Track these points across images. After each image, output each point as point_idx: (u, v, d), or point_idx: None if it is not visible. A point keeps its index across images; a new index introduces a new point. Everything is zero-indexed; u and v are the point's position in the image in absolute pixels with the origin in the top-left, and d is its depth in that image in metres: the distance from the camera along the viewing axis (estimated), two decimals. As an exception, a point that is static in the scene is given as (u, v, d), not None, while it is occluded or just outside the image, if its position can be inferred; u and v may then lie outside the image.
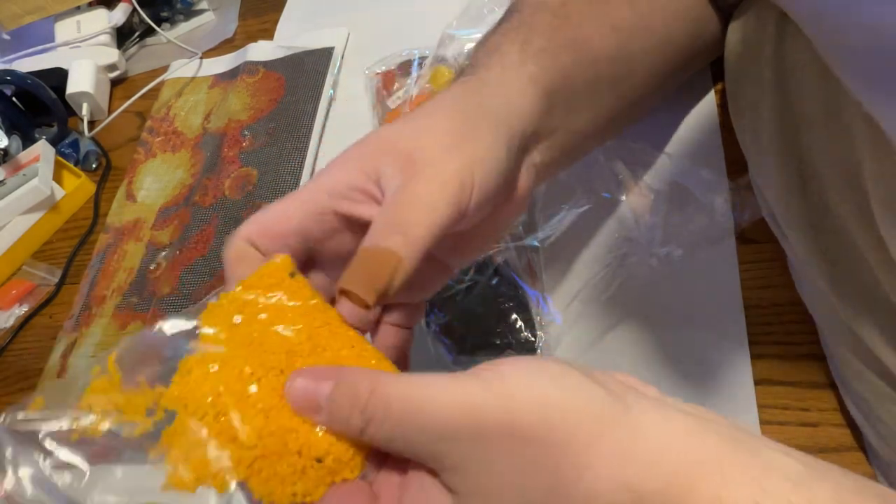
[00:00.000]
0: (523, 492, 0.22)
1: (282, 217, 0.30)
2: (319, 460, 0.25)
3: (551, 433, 0.22)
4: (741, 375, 0.40)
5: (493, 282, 0.46)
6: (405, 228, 0.28)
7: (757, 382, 0.40)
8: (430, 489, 0.24)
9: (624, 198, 0.49)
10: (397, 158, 0.30)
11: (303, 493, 0.25)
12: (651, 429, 0.23)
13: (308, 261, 0.32)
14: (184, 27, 0.83)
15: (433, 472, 0.24)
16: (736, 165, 0.48)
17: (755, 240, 0.45)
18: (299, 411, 0.25)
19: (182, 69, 0.77)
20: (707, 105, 0.51)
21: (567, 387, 0.23)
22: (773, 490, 0.21)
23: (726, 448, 0.22)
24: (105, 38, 0.80)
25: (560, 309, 0.46)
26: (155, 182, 0.68)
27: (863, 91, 0.24)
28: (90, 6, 0.81)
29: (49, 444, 0.28)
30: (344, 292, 0.28)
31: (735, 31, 0.47)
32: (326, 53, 0.69)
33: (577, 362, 0.25)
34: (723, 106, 0.51)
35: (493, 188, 0.31)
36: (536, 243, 0.49)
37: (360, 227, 0.30)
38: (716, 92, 0.52)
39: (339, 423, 0.25)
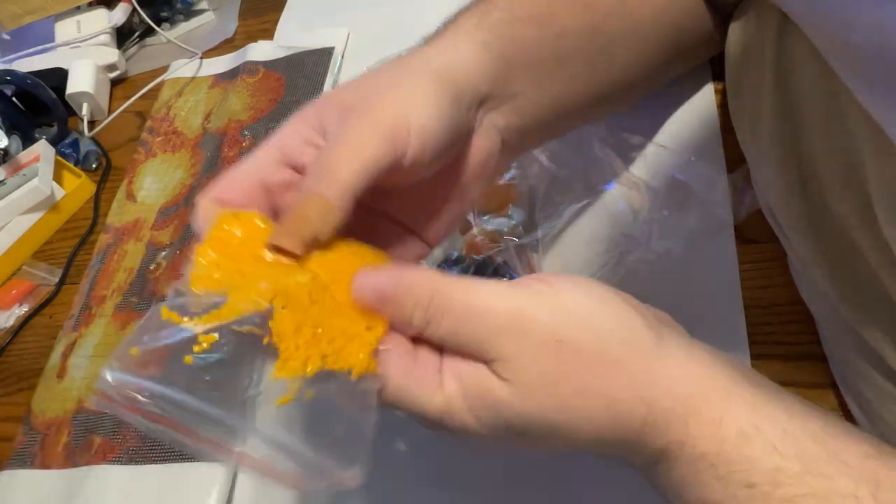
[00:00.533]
0: (557, 386, 0.26)
1: (242, 175, 0.32)
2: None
3: (589, 347, 0.26)
4: (741, 375, 0.40)
5: (493, 282, 0.46)
6: (332, 170, 0.29)
7: (757, 382, 0.40)
8: (482, 373, 0.27)
9: (622, 194, 0.49)
10: (339, 108, 0.31)
11: None
12: (675, 358, 0.26)
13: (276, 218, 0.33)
14: (184, 27, 0.83)
15: (485, 362, 0.27)
16: (735, 165, 0.48)
17: (755, 240, 0.45)
18: (367, 308, 0.28)
19: (182, 69, 0.77)
20: (707, 105, 0.51)
21: (611, 310, 0.27)
22: (771, 415, 0.25)
23: (735, 381, 0.26)
24: (105, 38, 0.80)
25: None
26: (155, 182, 0.68)
27: (864, 93, 0.24)
28: (90, 6, 0.81)
29: None
30: (275, 248, 0.29)
31: (736, 31, 0.47)
32: (326, 53, 0.69)
33: (622, 292, 0.28)
34: (723, 106, 0.51)
35: (436, 135, 0.31)
36: (536, 242, 0.49)
37: None
38: (716, 91, 0.52)
39: (402, 320, 0.27)
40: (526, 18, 0.38)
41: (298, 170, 0.32)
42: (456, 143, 0.33)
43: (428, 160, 0.31)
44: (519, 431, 0.27)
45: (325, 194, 0.28)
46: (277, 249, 0.29)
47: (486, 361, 0.27)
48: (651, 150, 0.50)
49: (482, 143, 0.35)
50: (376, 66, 0.35)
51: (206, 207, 0.31)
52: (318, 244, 0.29)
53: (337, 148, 0.30)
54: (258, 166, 0.32)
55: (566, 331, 0.26)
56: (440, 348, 0.28)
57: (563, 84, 0.39)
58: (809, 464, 0.24)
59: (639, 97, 0.48)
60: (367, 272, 0.28)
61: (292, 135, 0.32)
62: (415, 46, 0.37)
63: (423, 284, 0.27)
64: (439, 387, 0.27)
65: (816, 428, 0.25)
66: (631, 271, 0.46)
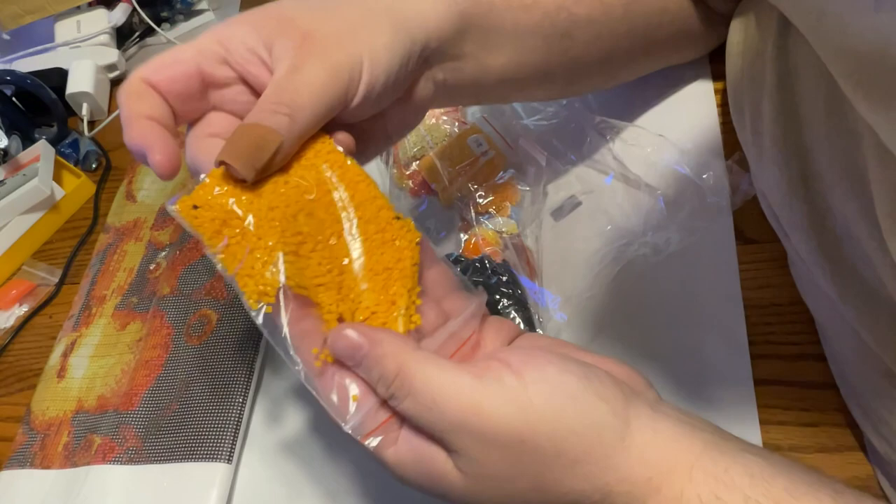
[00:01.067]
0: (513, 483, 0.26)
1: (177, 58, 0.32)
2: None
3: (551, 446, 0.26)
4: (741, 375, 0.40)
5: (492, 280, 0.46)
6: (292, 111, 0.29)
7: (757, 382, 0.40)
8: (439, 457, 0.27)
9: (620, 191, 0.49)
10: (293, 35, 0.31)
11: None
12: (638, 445, 0.26)
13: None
14: (184, 27, 0.83)
15: (444, 449, 0.27)
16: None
17: (755, 240, 0.45)
18: (341, 360, 0.28)
19: (182, 69, 0.77)
20: (707, 104, 0.51)
21: (579, 408, 0.26)
22: (733, 484, 0.25)
23: (700, 450, 0.26)
24: (105, 38, 0.80)
25: (559, 306, 0.46)
26: (155, 182, 0.68)
27: (858, 98, 0.24)
28: (90, 6, 0.81)
29: None
30: (223, 163, 0.29)
31: (736, 30, 0.47)
32: (326, 53, 0.69)
33: (588, 364, 0.28)
34: (722, 105, 0.51)
35: (382, 86, 0.32)
36: (535, 240, 0.49)
37: (248, 86, 0.32)
38: (715, 91, 0.52)
39: (370, 382, 0.28)
40: None
41: (239, 73, 0.32)
42: (394, 92, 0.34)
43: (370, 108, 0.32)
44: None
45: (282, 132, 0.29)
46: (225, 164, 0.29)
47: (446, 449, 0.27)
48: (649, 147, 0.50)
49: (419, 94, 0.36)
50: None
51: (135, 85, 0.31)
52: (260, 174, 0.29)
53: (298, 89, 0.30)
54: (199, 55, 0.31)
55: (529, 431, 0.26)
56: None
57: (514, 55, 0.39)
58: None
59: (601, 84, 0.48)
60: (344, 328, 0.28)
61: (237, 38, 0.32)
62: None
63: (390, 358, 0.27)
64: (393, 450, 0.28)
65: (779, 490, 0.25)
66: (630, 267, 0.46)
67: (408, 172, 0.54)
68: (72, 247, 0.67)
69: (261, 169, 0.29)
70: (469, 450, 0.26)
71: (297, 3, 0.33)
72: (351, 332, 0.28)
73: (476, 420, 0.26)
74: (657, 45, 0.47)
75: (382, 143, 0.37)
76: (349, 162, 0.32)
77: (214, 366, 0.52)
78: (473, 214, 0.49)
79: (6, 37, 0.82)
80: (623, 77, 0.49)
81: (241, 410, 0.49)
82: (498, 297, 0.45)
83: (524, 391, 0.26)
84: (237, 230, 0.29)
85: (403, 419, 0.28)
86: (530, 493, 0.26)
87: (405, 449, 0.28)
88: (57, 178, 0.69)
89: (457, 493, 0.27)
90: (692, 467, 0.25)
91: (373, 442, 0.28)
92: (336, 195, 0.31)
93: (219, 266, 0.29)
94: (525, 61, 0.40)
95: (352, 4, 0.33)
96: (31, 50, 0.80)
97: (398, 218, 0.31)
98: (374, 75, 0.31)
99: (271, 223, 0.29)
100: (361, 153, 0.36)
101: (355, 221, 0.31)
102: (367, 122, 0.35)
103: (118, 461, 0.50)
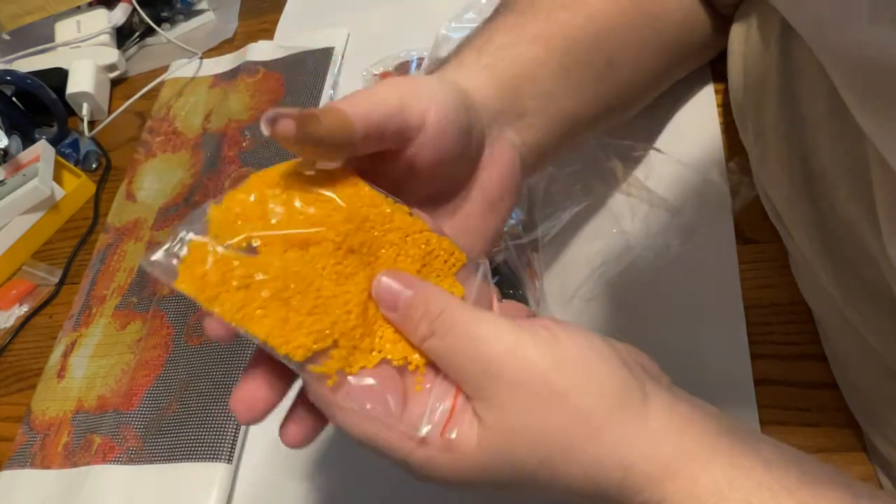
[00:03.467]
0: (540, 442, 0.26)
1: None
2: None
3: (581, 401, 0.26)
4: (741, 375, 0.40)
5: (493, 281, 0.46)
6: (348, 99, 0.29)
7: (757, 382, 0.40)
8: (463, 408, 0.27)
9: (621, 193, 0.49)
10: None
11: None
12: (657, 420, 0.26)
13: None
14: (184, 27, 0.83)
15: (467, 397, 0.27)
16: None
17: (755, 240, 0.45)
18: (380, 305, 0.28)
19: (182, 69, 0.77)
20: (707, 105, 0.51)
21: (609, 367, 0.26)
22: (747, 469, 0.25)
23: (715, 435, 0.26)
24: (105, 38, 0.80)
25: (560, 307, 0.46)
26: (155, 182, 0.68)
27: (855, 106, 0.24)
28: (90, 6, 0.81)
29: None
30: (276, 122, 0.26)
31: (739, 31, 0.47)
32: (326, 53, 0.69)
33: (612, 339, 0.28)
34: (723, 106, 0.51)
35: (454, 111, 0.31)
36: (536, 242, 0.49)
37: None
38: (716, 92, 0.52)
39: (407, 326, 0.28)
40: (531, 39, 0.38)
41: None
42: (472, 143, 0.33)
43: (451, 142, 0.31)
44: (497, 484, 0.27)
45: (346, 110, 0.28)
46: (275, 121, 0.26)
47: (470, 398, 0.27)
48: (652, 154, 0.50)
49: (502, 156, 0.35)
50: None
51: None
52: (307, 139, 0.26)
53: (357, 93, 0.30)
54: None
55: (560, 378, 0.26)
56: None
57: (574, 97, 0.40)
58: None
59: (643, 104, 0.48)
60: (391, 273, 0.29)
61: None
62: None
63: (436, 298, 0.28)
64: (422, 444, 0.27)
65: (792, 479, 0.25)
66: (631, 269, 0.46)
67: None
68: (72, 247, 0.67)
69: (309, 124, 0.26)
70: (499, 394, 0.26)
71: None
72: (398, 276, 0.29)
73: (513, 362, 0.26)
74: (685, 54, 0.47)
75: (488, 216, 0.35)
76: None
77: (214, 366, 0.52)
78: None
79: (6, 37, 0.82)
80: (660, 91, 0.49)
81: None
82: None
83: (557, 344, 0.26)
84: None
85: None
86: (559, 457, 0.26)
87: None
88: (57, 178, 0.69)
89: (494, 456, 0.26)
90: (709, 451, 0.26)
91: (451, 434, 0.27)
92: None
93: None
94: (585, 100, 0.40)
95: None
96: (31, 50, 0.80)
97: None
98: (427, 107, 0.31)
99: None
100: (474, 235, 0.35)
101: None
102: (469, 200, 0.34)
103: (118, 461, 0.50)
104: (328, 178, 0.30)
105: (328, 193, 0.29)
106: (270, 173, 0.29)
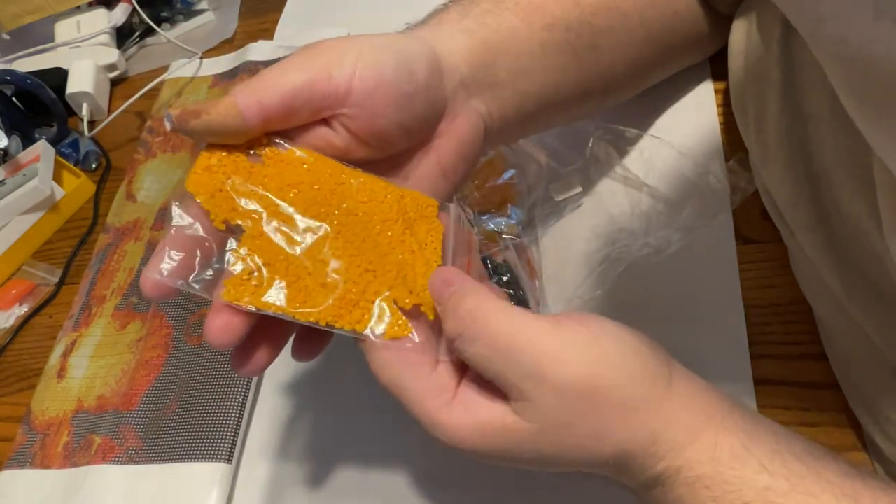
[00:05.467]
0: (576, 429, 0.27)
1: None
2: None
3: (619, 394, 0.27)
4: (741, 375, 0.40)
5: (493, 280, 0.46)
6: (249, 83, 0.30)
7: (757, 382, 0.40)
8: (487, 405, 0.28)
9: (620, 192, 0.49)
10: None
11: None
12: (681, 395, 0.28)
13: None
14: (184, 27, 0.83)
15: (504, 395, 0.28)
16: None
17: (755, 240, 0.45)
18: (432, 293, 0.30)
19: (182, 69, 0.77)
20: (707, 104, 0.51)
21: (641, 360, 0.28)
22: (760, 438, 0.27)
23: (729, 407, 0.28)
24: (105, 38, 0.80)
25: (560, 307, 0.46)
26: (155, 182, 0.68)
27: (853, 106, 0.24)
28: (90, 6, 0.81)
29: None
30: (168, 116, 0.29)
31: (739, 30, 0.47)
32: (326, 53, 0.69)
33: (633, 330, 0.29)
34: (723, 105, 0.51)
35: (392, 74, 0.32)
36: (536, 241, 0.49)
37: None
38: (716, 91, 0.52)
39: (445, 324, 0.29)
40: (513, 8, 0.38)
41: None
42: (425, 104, 0.33)
43: (390, 106, 0.32)
44: (525, 461, 0.28)
45: (237, 98, 0.30)
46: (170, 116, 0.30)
47: (507, 399, 0.28)
48: (650, 148, 0.50)
49: (465, 124, 0.36)
50: None
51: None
52: (202, 124, 0.30)
53: (263, 72, 0.31)
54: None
55: (603, 379, 0.27)
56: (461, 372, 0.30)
57: (549, 75, 0.39)
58: (796, 482, 0.26)
59: (628, 95, 0.48)
60: (447, 269, 0.31)
61: None
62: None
63: (469, 298, 0.28)
64: (447, 411, 0.28)
65: (800, 449, 0.27)
66: (631, 267, 0.46)
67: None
68: (72, 247, 0.67)
69: (195, 111, 0.29)
70: (544, 397, 0.26)
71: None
72: (451, 271, 0.31)
73: (556, 367, 0.26)
74: (674, 48, 0.47)
75: (440, 182, 0.36)
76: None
77: (214, 366, 0.52)
78: (474, 214, 0.49)
79: (6, 37, 0.82)
80: (647, 83, 0.49)
81: (241, 410, 0.49)
82: (498, 297, 0.45)
83: (596, 341, 0.27)
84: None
85: (460, 377, 0.29)
86: (589, 441, 0.27)
87: (460, 410, 0.28)
88: (57, 178, 0.69)
89: (525, 446, 0.27)
90: (725, 418, 0.27)
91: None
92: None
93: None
94: (561, 80, 0.40)
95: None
96: (31, 50, 0.80)
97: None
98: (375, 64, 0.31)
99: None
100: (416, 185, 0.36)
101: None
102: (423, 162, 0.35)
103: (118, 461, 0.50)
104: (281, 163, 0.32)
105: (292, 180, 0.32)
106: (211, 174, 0.31)
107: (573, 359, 0.27)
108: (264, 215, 0.31)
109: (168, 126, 0.29)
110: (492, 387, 0.28)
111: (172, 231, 0.29)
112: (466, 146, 0.36)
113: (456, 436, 0.28)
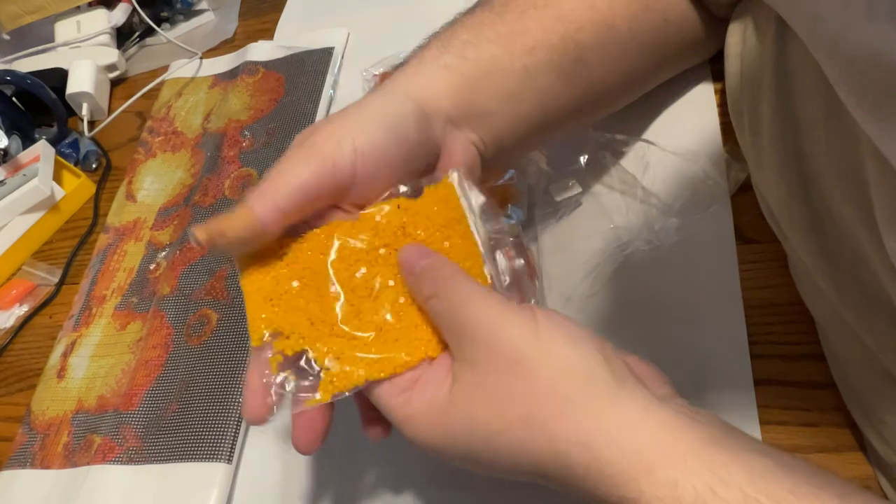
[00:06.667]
0: (504, 408, 0.27)
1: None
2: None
3: (545, 377, 0.27)
4: (741, 375, 0.40)
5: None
6: (261, 187, 0.32)
7: (757, 382, 0.40)
8: (442, 380, 0.30)
9: (619, 191, 0.49)
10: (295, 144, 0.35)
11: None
12: (629, 410, 0.26)
13: None
14: (184, 27, 0.83)
15: (452, 358, 0.30)
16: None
17: (755, 240, 0.45)
18: (402, 269, 0.33)
19: (182, 69, 0.77)
20: (706, 105, 0.51)
21: (579, 351, 0.28)
22: (730, 480, 0.24)
23: (698, 443, 0.26)
24: (105, 38, 0.80)
25: (560, 306, 0.46)
26: (155, 182, 0.68)
27: (853, 105, 0.24)
28: (90, 6, 0.81)
29: None
30: (195, 238, 0.31)
31: (734, 33, 0.46)
32: (326, 53, 0.69)
33: (600, 336, 0.29)
34: (722, 105, 0.51)
35: (388, 146, 0.34)
36: (535, 240, 0.49)
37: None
38: (715, 91, 0.52)
39: (418, 287, 0.32)
40: (493, 37, 0.39)
41: None
42: (422, 157, 0.36)
43: (394, 175, 0.34)
44: (464, 447, 0.29)
45: (252, 204, 0.32)
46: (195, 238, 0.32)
47: (454, 359, 0.30)
48: (648, 149, 0.50)
49: (459, 156, 0.37)
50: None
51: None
52: (222, 239, 0.31)
53: (271, 172, 0.33)
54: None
55: (529, 355, 0.27)
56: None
57: (538, 97, 0.40)
58: None
59: (625, 102, 0.48)
60: (415, 246, 0.33)
61: None
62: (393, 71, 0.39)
63: (448, 267, 0.31)
64: (404, 403, 0.30)
65: (783, 491, 0.24)
66: (630, 268, 0.46)
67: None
68: (72, 247, 0.67)
69: (218, 232, 0.31)
70: (476, 358, 0.28)
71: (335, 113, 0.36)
72: (419, 248, 0.33)
73: (490, 331, 0.28)
74: (668, 56, 0.47)
75: None
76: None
77: (214, 366, 0.52)
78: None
79: (6, 37, 0.82)
80: (643, 90, 0.49)
81: (241, 410, 0.49)
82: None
83: (534, 323, 0.28)
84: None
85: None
86: (518, 426, 0.27)
87: (416, 398, 0.30)
88: (57, 178, 0.69)
89: (458, 415, 0.28)
90: (686, 456, 0.25)
91: None
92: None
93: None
94: (550, 101, 0.41)
95: (361, 98, 0.36)
96: (31, 50, 0.80)
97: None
98: (373, 139, 0.33)
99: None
100: None
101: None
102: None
103: (118, 461, 0.50)
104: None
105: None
106: (261, 292, 0.34)
107: (509, 330, 0.28)
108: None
109: (195, 244, 0.31)
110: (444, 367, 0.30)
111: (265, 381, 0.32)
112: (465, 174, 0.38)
113: (412, 425, 0.30)
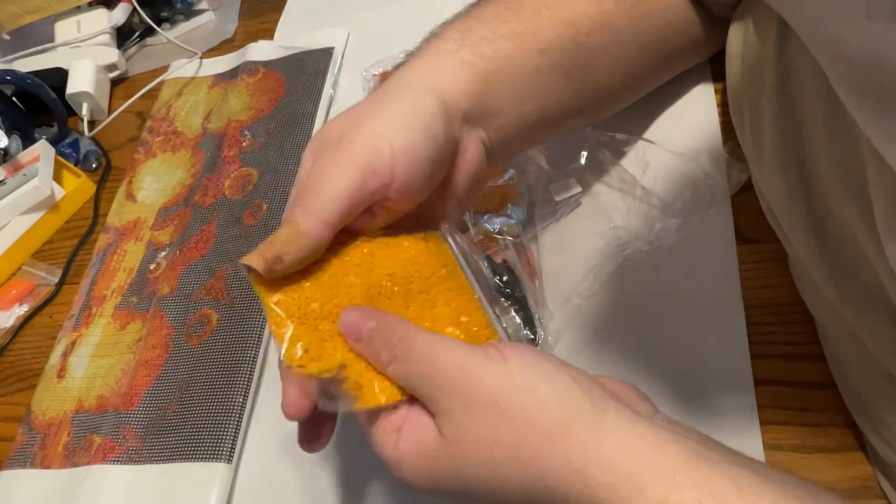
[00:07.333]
0: (492, 451, 0.27)
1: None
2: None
3: (525, 415, 0.27)
4: (741, 375, 0.40)
5: (493, 281, 0.46)
6: (305, 201, 0.32)
7: (757, 382, 0.40)
8: (426, 424, 0.29)
9: (619, 190, 0.49)
10: (320, 143, 0.35)
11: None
12: (614, 433, 0.27)
13: None
14: (184, 27, 0.83)
15: (431, 414, 0.29)
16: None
17: (755, 240, 0.45)
18: (347, 338, 0.31)
19: (182, 69, 0.77)
20: (707, 105, 0.51)
21: (553, 385, 0.28)
22: (717, 493, 0.24)
23: (685, 459, 0.26)
24: (105, 38, 0.80)
25: (559, 305, 0.46)
26: (155, 182, 0.68)
27: (853, 106, 0.24)
28: (90, 6, 0.81)
29: None
30: (247, 268, 0.31)
31: (736, 33, 0.47)
32: (326, 53, 0.69)
33: (571, 365, 0.29)
34: (722, 105, 0.51)
35: (426, 152, 0.33)
36: (535, 241, 0.49)
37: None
38: (715, 91, 0.52)
39: (372, 354, 0.31)
40: (509, 35, 0.39)
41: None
42: (447, 157, 0.36)
43: (424, 177, 0.34)
44: (456, 491, 0.29)
45: (298, 221, 0.31)
46: (248, 269, 0.31)
47: (434, 414, 0.29)
48: (647, 149, 0.50)
49: (472, 155, 0.37)
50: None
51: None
52: (279, 263, 0.31)
53: (311, 181, 0.32)
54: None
55: (504, 397, 0.27)
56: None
57: (544, 98, 0.40)
58: None
59: (626, 104, 0.48)
60: (356, 308, 0.32)
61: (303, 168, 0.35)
62: (403, 61, 0.39)
63: (397, 327, 0.30)
64: (393, 444, 0.30)
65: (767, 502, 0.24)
66: (630, 268, 0.46)
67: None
68: (72, 247, 0.67)
69: (273, 259, 0.31)
70: (455, 410, 0.28)
71: (341, 113, 0.36)
72: (362, 310, 0.32)
73: (464, 380, 0.28)
74: (668, 57, 0.47)
75: (455, 211, 0.38)
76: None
77: (214, 366, 0.52)
78: (470, 214, 0.49)
79: (6, 37, 0.82)
80: (644, 91, 0.49)
81: (241, 410, 0.49)
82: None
83: (505, 364, 0.28)
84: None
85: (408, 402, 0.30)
86: (509, 467, 0.27)
87: (404, 440, 0.30)
88: (57, 178, 0.69)
89: (445, 464, 0.28)
90: (675, 472, 0.25)
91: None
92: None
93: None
94: (556, 101, 0.41)
95: (381, 90, 0.36)
96: (31, 50, 0.80)
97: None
98: (408, 141, 0.33)
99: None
100: (434, 221, 0.37)
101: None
102: (432, 195, 0.36)
103: (118, 461, 0.50)
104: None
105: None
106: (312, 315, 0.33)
107: (482, 376, 0.28)
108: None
109: (248, 273, 0.31)
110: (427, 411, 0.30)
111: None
112: (476, 173, 0.38)
113: (401, 468, 0.29)
